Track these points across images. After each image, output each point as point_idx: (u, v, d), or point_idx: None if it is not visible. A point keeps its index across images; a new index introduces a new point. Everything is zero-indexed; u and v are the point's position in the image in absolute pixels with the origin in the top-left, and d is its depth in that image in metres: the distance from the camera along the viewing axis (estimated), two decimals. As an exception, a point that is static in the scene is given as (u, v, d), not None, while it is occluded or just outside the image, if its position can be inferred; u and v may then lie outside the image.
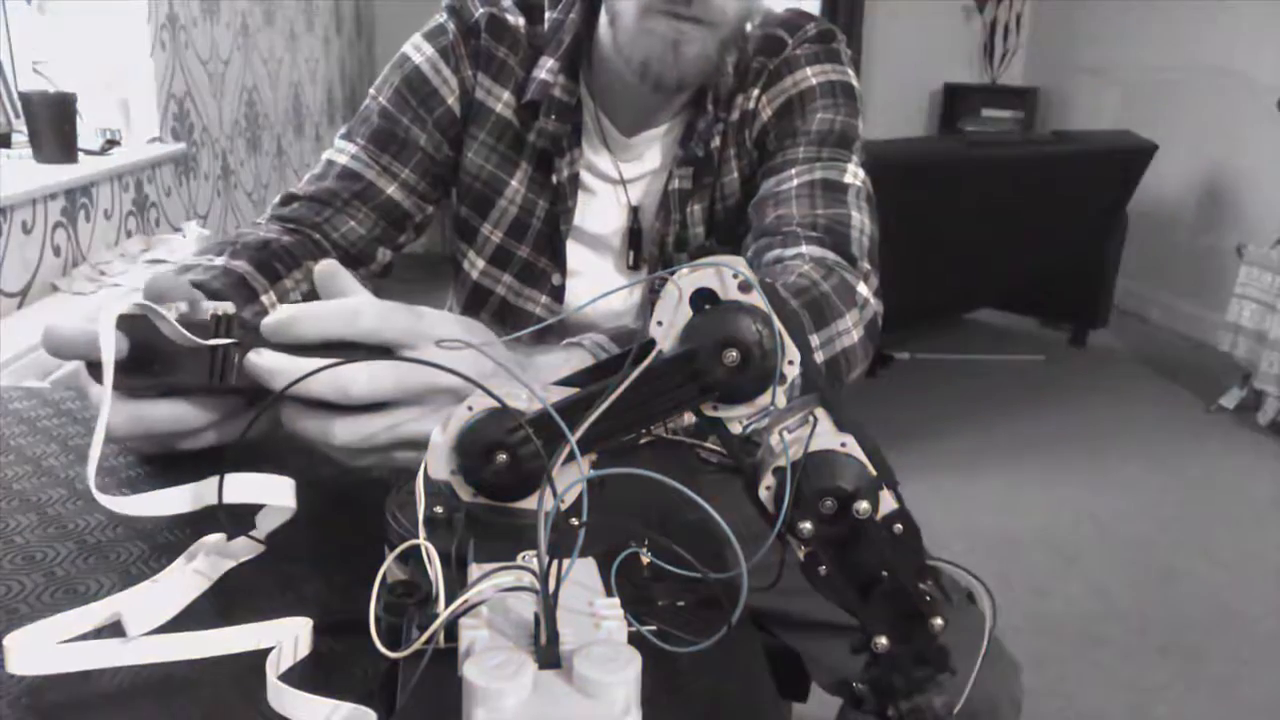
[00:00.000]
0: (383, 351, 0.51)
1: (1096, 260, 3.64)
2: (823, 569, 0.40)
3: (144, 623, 0.42)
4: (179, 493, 0.48)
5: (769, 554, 0.40)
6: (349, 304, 0.52)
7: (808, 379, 0.42)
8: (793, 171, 0.91)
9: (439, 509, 0.43)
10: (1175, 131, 3.79)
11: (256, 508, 0.50)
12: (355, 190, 0.93)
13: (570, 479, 0.40)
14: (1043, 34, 5.12)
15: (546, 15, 0.95)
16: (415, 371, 0.50)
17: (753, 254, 0.87)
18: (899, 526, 0.40)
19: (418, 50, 0.95)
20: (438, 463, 0.43)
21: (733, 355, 0.41)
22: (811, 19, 0.98)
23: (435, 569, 0.38)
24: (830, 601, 0.41)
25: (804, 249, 0.83)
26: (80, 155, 1.90)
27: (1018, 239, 3.28)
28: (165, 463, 0.60)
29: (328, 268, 0.56)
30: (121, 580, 0.48)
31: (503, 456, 0.42)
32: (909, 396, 3.17)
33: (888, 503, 0.40)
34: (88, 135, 2.02)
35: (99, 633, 0.42)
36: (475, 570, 0.37)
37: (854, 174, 0.91)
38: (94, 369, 0.53)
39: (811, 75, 0.94)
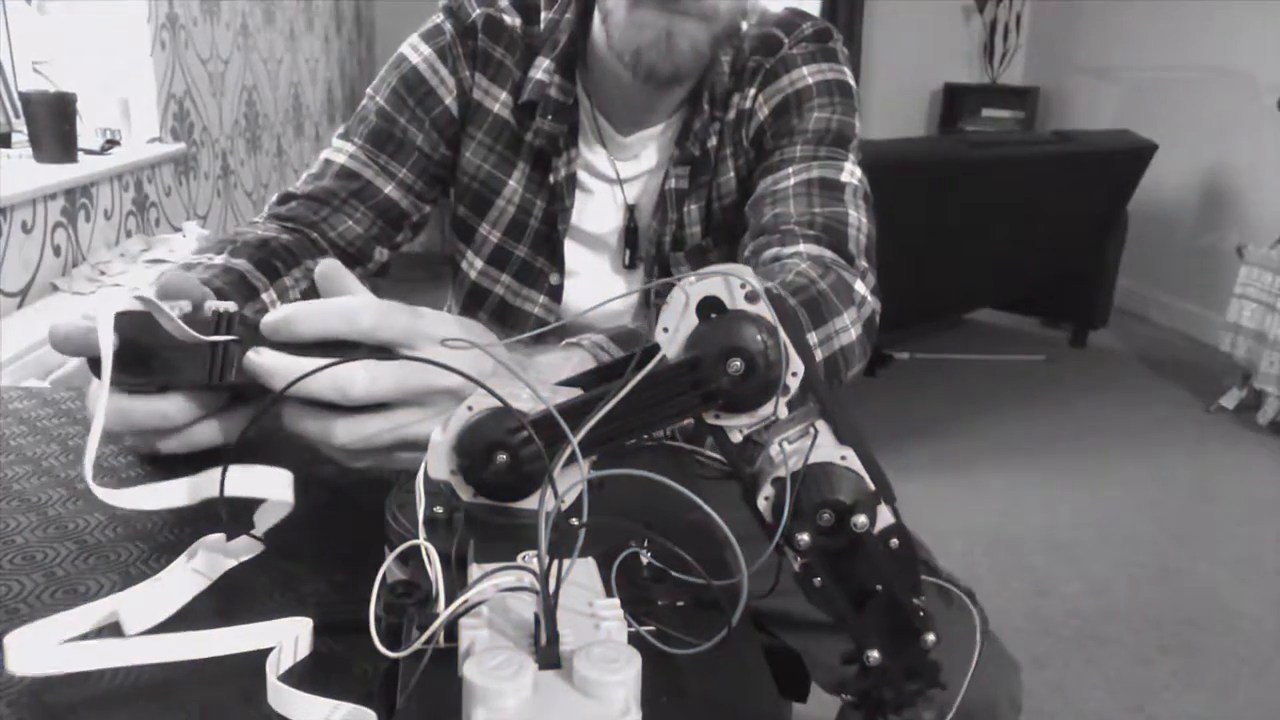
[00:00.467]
0: (383, 351, 0.51)
1: (1096, 260, 3.64)
2: (818, 580, 0.40)
3: (143, 622, 0.42)
4: (175, 486, 0.47)
5: (767, 558, 0.40)
6: (349, 303, 0.52)
7: (808, 381, 0.42)
8: (790, 170, 0.91)
9: (439, 509, 0.43)
10: (1175, 131, 3.79)
11: (255, 505, 0.50)
12: (353, 189, 0.93)
13: (570, 480, 0.40)
14: (1043, 34, 5.12)
15: (542, 15, 0.95)
16: (415, 372, 0.50)
17: (750, 253, 0.87)
18: (895, 541, 0.40)
19: (415, 50, 0.95)
20: (438, 463, 0.43)
21: (737, 364, 0.41)
22: (808, 18, 0.98)
23: (435, 569, 0.38)
24: (824, 613, 0.41)
25: (801, 247, 0.83)
26: (80, 155, 1.90)
27: (1018, 239, 3.28)
28: (165, 463, 0.60)
29: (329, 267, 0.56)
30: (121, 580, 0.48)
31: (503, 457, 0.42)
32: (909, 396, 3.17)
33: (885, 517, 0.40)
34: (88, 135, 2.02)
35: (99, 633, 0.42)
36: (475, 570, 0.37)
37: (851, 173, 0.91)
38: (95, 365, 0.52)
39: (808, 74, 0.94)
